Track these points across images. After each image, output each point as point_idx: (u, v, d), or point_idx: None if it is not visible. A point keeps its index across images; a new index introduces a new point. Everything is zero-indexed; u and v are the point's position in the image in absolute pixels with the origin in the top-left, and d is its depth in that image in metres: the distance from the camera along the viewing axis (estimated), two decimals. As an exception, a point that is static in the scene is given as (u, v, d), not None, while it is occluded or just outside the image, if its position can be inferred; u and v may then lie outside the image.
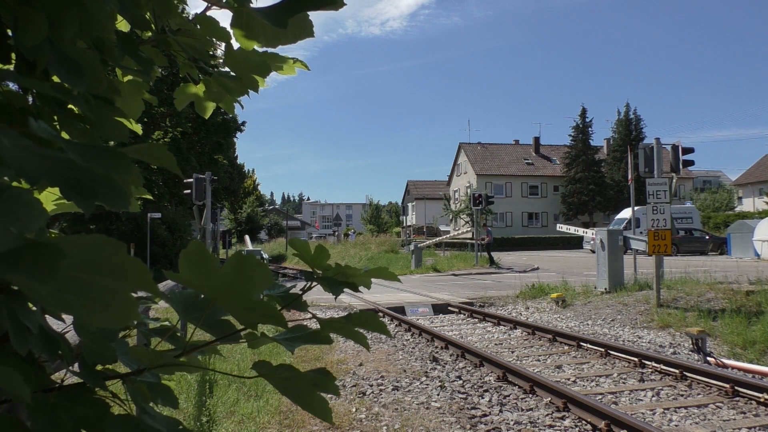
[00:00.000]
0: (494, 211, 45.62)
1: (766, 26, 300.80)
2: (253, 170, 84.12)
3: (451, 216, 51.40)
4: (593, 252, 16.31)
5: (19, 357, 0.63)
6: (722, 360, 7.30)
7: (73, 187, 0.53)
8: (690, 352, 7.79)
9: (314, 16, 0.92)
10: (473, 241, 25.56)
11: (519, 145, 60.02)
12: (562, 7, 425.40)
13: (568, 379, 6.50)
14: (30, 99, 0.84)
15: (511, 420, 5.08)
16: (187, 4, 1.13)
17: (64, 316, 0.77)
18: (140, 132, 1.15)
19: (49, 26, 0.70)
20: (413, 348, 8.44)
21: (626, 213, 30.11)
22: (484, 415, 5.22)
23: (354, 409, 5.30)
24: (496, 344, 8.72)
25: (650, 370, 6.75)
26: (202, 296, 0.76)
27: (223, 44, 1.02)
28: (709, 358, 7.48)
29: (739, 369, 6.88)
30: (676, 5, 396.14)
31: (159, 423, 0.68)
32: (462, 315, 11.94)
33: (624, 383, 6.36)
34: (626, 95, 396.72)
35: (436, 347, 8.39)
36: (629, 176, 13.70)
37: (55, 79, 0.82)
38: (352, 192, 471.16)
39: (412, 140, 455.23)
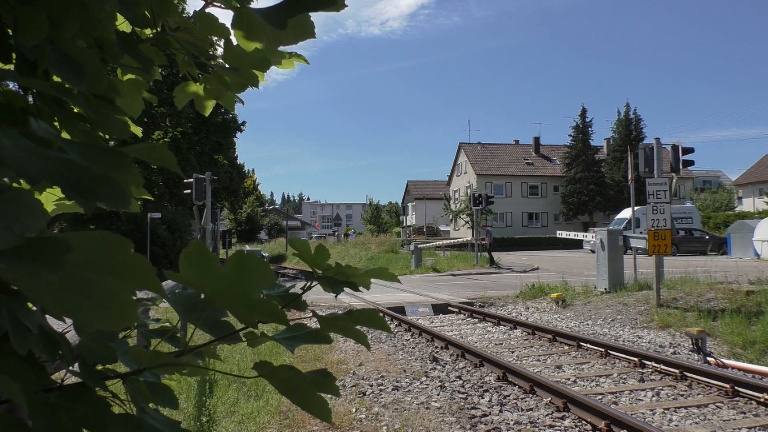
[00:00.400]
0: (494, 211, 45.63)
1: (766, 26, 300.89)
2: (253, 170, 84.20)
3: (451, 216, 51.42)
4: (593, 252, 16.32)
5: (19, 357, 0.63)
6: (722, 360, 7.30)
7: (73, 188, 0.53)
8: (690, 352, 7.79)
9: (314, 16, 0.91)
10: (473, 242, 25.58)
11: (519, 145, 60.02)
12: (562, 7, 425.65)
13: (568, 379, 6.50)
14: (30, 99, 0.84)
15: (511, 420, 5.08)
16: (186, 3, 1.13)
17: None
18: (140, 135, 1.15)
19: (50, 26, 0.70)
20: (413, 348, 8.44)
21: (626, 213, 30.12)
22: (484, 415, 5.22)
23: (354, 409, 5.30)
24: (496, 344, 8.72)
25: (650, 370, 6.75)
26: (203, 296, 0.76)
27: (223, 41, 1.02)
28: (709, 358, 7.48)
29: (739, 369, 6.88)
30: (676, 5, 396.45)
31: (159, 422, 0.68)
32: (462, 315, 11.94)
33: (624, 383, 6.36)
34: (626, 95, 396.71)
35: (436, 347, 8.39)
36: (629, 176, 13.69)
37: (56, 78, 0.82)
38: (352, 192, 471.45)
39: (412, 140, 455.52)
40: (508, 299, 13.16)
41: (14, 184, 0.64)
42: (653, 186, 10.40)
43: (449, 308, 12.51)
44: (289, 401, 5.21)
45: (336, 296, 0.82)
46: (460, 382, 6.38)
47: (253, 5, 0.93)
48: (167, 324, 0.97)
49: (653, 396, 5.84)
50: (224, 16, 0.98)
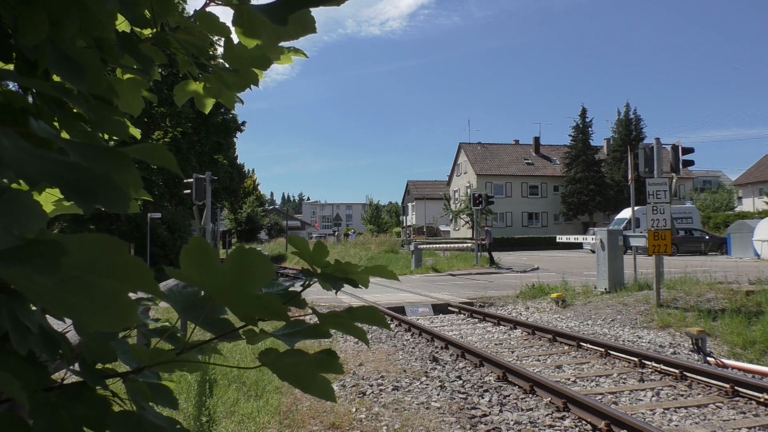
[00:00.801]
0: (494, 211, 45.64)
1: (766, 26, 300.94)
2: (253, 170, 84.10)
3: (451, 216, 51.42)
4: (593, 252, 16.32)
5: (19, 357, 0.64)
6: (722, 360, 7.30)
7: (73, 189, 0.53)
8: (690, 352, 7.80)
9: (314, 15, 0.92)
10: (473, 242, 25.59)
11: (519, 145, 60.02)
12: (562, 7, 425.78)
13: (568, 379, 6.50)
14: (30, 99, 0.84)
15: (511, 420, 5.08)
16: (186, 3, 1.13)
17: (64, 315, 0.77)
18: (139, 137, 1.15)
19: (50, 26, 0.70)
20: (413, 348, 8.44)
21: (626, 213, 30.13)
22: (484, 415, 5.22)
23: (354, 409, 5.30)
24: (496, 344, 8.72)
25: (650, 370, 6.75)
26: (202, 294, 0.77)
27: (223, 40, 1.02)
28: (709, 358, 7.48)
29: (739, 369, 6.88)
30: (676, 5, 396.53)
31: (159, 421, 0.68)
32: (462, 315, 11.94)
33: (624, 383, 6.36)
34: (626, 95, 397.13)
35: (436, 347, 8.39)
36: (629, 176, 13.69)
37: (56, 78, 0.82)
38: (352, 192, 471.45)
39: (412, 140, 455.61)
40: (508, 299, 13.16)
41: (13, 185, 0.64)
42: (653, 186, 10.40)
43: (449, 308, 12.51)
44: (289, 401, 5.19)
45: (336, 293, 0.82)
46: (460, 382, 6.38)
47: (253, 2, 0.93)
48: (167, 323, 0.97)
49: (653, 396, 5.84)
50: (224, 16, 0.98)
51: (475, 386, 6.19)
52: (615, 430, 4.60)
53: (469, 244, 27.53)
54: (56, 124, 0.82)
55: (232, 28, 0.96)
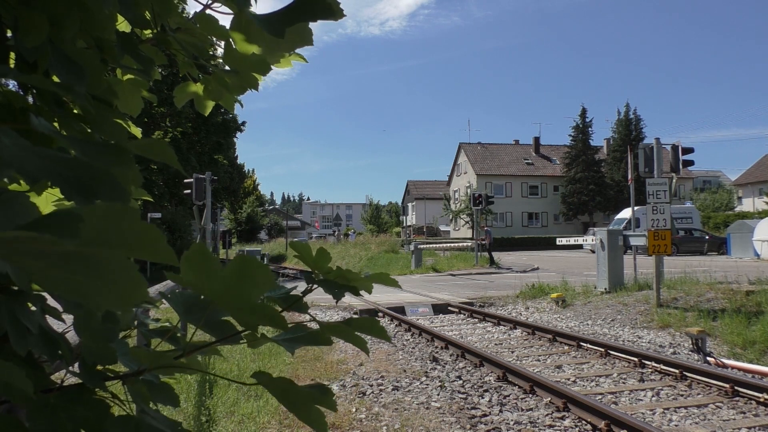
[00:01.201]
0: (494, 211, 45.66)
1: (766, 26, 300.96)
2: (253, 170, 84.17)
3: (451, 216, 51.44)
4: (593, 252, 16.32)
5: (18, 357, 0.63)
6: (722, 360, 7.30)
7: (73, 186, 0.53)
8: (690, 352, 7.80)
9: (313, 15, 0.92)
10: (473, 242, 25.60)
11: (519, 145, 60.04)
12: (562, 7, 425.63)
13: (568, 379, 6.50)
14: (30, 99, 0.83)
15: (511, 420, 5.08)
16: (186, 3, 1.13)
17: (64, 316, 0.77)
18: (139, 135, 1.15)
19: (50, 26, 0.70)
20: (413, 348, 8.44)
21: (626, 213, 30.13)
22: (484, 415, 5.22)
23: (354, 409, 5.30)
24: (496, 344, 8.72)
25: (650, 370, 6.75)
26: (203, 297, 0.76)
27: (223, 43, 1.02)
28: (709, 358, 7.48)
29: (739, 369, 6.88)
30: (676, 5, 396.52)
31: (159, 423, 0.68)
32: (462, 315, 11.94)
33: (624, 383, 6.36)
34: (626, 95, 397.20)
35: (436, 347, 8.39)
36: (629, 176, 13.69)
37: (55, 79, 0.82)
38: (352, 192, 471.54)
39: (412, 140, 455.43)
40: (508, 299, 13.16)
41: (13, 185, 0.64)
42: (653, 186, 10.40)
43: (449, 308, 12.51)
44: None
45: (336, 302, 0.82)
46: (460, 382, 6.38)
47: (253, 8, 0.93)
48: (167, 324, 0.97)
49: (653, 396, 5.84)
50: (224, 18, 0.98)
51: (475, 386, 6.19)
52: (615, 430, 4.59)
53: (469, 244, 27.54)
54: (56, 124, 0.82)
55: (231, 34, 0.96)
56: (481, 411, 5.34)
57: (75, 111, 0.86)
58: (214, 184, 20.10)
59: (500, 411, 5.34)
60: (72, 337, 0.95)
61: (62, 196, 0.71)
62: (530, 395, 5.82)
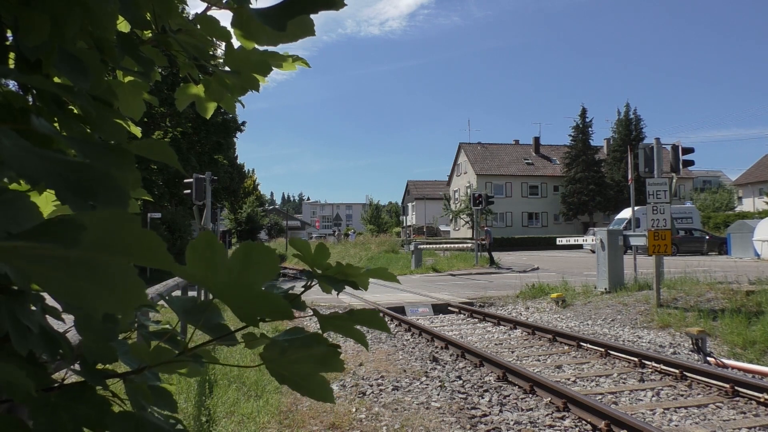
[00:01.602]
0: (494, 211, 45.63)
1: (766, 26, 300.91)
2: (253, 170, 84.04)
3: (451, 216, 51.42)
4: (593, 252, 16.32)
5: (19, 357, 0.64)
6: (722, 360, 7.30)
7: (71, 188, 0.53)
8: (690, 352, 7.80)
9: (313, 16, 0.92)
10: (473, 242, 25.60)
11: (519, 145, 60.02)
12: (562, 7, 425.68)
13: (568, 379, 6.50)
14: (30, 100, 0.84)
15: (511, 420, 5.08)
16: (187, 4, 1.13)
17: (64, 315, 0.78)
18: (140, 135, 1.15)
19: (51, 26, 0.70)
20: (413, 348, 8.44)
21: (626, 213, 30.12)
22: (484, 415, 5.22)
23: (354, 409, 5.30)
24: (496, 344, 8.72)
25: (650, 370, 6.75)
26: (203, 299, 0.77)
27: (224, 44, 1.02)
28: (709, 358, 7.48)
29: (739, 369, 6.88)
30: (676, 5, 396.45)
31: (159, 421, 0.68)
32: (462, 315, 11.94)
33: (624, 383, 6.36)
34: (626, 95, 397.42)
35: (436, 347, 8.39)
36: (629, 176, 13.70)
37: (56, 80, 0.82)
38: (352, 192, 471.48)
39: (412, 140, 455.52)
40: (508, 299, 13.16)
41: (14, 184, 0.65)
42: (653, 186, 10.40)
43: (449, 308, 12.51)
44: (289, 401, 5.18)
45: (338, 294, 0.82)
46: (460, 382, 6.38)
47: (252, 5, 0.93)
48: (167, 326, 0.97)
49: (653, 396, 5.84)
50: (225, 19, 0.98)
51: (475, 386, 6.19)
52: (615, 430, 4.60)
53: (469, 244, 27.54)
54: (56, 125, 0.82)
55: (231, 30, 0.96)
56: (481, 411, 5.34)
57: (75, 112, 0.86)
58: (214, 184, 20.10)
59: (500, 411, 5.34)
60: (72, 336, 0.95)
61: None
62: (530, 395, 5.82)
